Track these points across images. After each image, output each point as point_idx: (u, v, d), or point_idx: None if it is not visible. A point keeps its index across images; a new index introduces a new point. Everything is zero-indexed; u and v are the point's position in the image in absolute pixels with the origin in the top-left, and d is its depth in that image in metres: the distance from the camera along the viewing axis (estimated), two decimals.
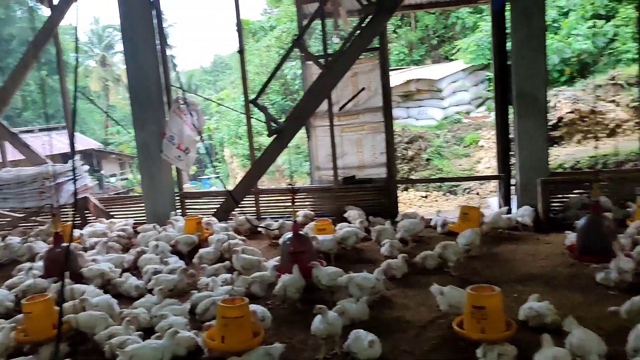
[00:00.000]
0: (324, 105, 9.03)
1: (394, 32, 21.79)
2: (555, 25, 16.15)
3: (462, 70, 18.00)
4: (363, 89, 9.10)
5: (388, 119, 8.93)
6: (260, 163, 9.06)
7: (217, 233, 7.67)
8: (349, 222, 8.17)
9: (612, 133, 13.12)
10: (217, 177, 24.42)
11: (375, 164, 9.33)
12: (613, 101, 13.49)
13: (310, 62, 9.21)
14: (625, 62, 14.32)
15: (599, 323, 4.73)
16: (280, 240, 6.90)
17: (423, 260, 6.40)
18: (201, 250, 7.07)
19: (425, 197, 14.49)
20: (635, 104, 10.26)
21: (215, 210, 9.18)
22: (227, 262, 6.54)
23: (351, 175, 9.30)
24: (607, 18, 15.83)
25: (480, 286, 4.65)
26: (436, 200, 14.09)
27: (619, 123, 13.16)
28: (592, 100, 13.54)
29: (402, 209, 12.42)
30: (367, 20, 8.27)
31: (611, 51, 15.06)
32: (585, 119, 13.40)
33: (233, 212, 8.88)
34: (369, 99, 9.20)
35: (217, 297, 5.20)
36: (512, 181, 8.76)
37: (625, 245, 6.00)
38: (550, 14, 16.03)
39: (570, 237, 6.67)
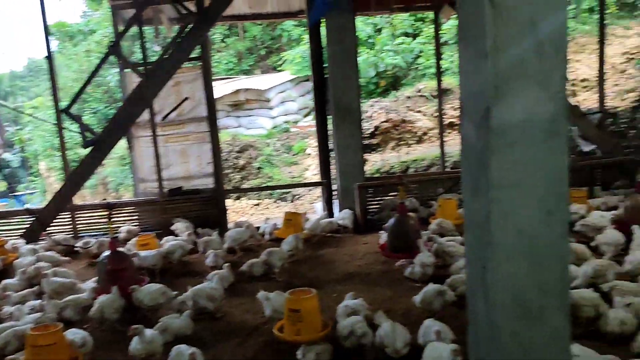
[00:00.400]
0: (146, 115, 8.73)
1: (223, 41, 21.79)
2: (371, 41, 17.48)
3: (290, 80, 18.61)
4: (186, 98, 8.97)
5: (213, 128, 8.91)
6: (75, 177, 8.43)
7: (24, 256, 6.95)
8: (176, 235, 7.98)
9: (420, 140, 14.59)
10: (31, 194, 22.13)
11: (203, 174, 9.24)
12: (420, 111, 15.02)
13: (129, 70, 8.83)
14: (429, 76, 16.01)
15: (406, 314, 5.23)
16: (99, 259, 6.49)
17: (250, 268, 6.48)
18: (4, 281, 6.34)
19: (258, 205, 14.69)
20: (437, 114, 11.52)
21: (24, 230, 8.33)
22: (36, 287, 5.97)
23: (177, 187, 9.09)
24: (414, 36, 17.57)
25: (299, 290, 4.86)
26: (267, 208, 14.36)
27: (426, 131, 14.68)
28: (403, 111, 14.91)
29: (235, 217, 12.47)
30: (188, 29, 8.17)
31: (417, 66, 16.74)
32: (398, 128, 14.71)
33: (45, 232, 8.13)
34: (193, 108, 9.09)
35: (21, 327, 4.71)
36: (335, 186, 9.29)
37: (427, 242, 6.69)
38: (366, 30, 17.33)
39: (383, 237, 7.27)
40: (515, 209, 2.85)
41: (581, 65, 14.07)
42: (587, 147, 9.57)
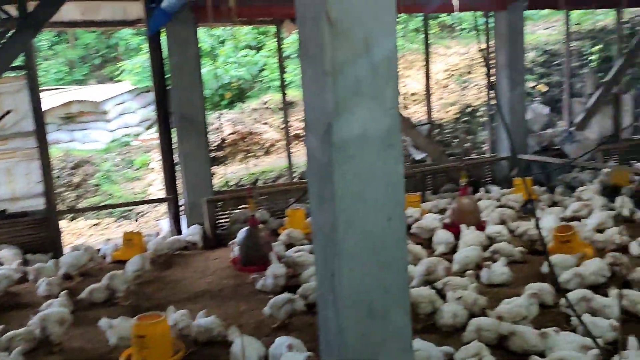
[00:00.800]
0: None
1: (51, 48, 20.09)
2: (214, 52, 17.33)
3: (129, 91, 17.70)
4: (9, 111, 8.07)
5: (42, 143, 8.13)
6: None
7: None
8: (1, 264, 7.14)
9: (267, 152, 14.77)
10: None
11: (32, 195, 8.35)
12: (266, 123, 15.23)
13: None
14: (274, 88, 16.31)
15: (259, 327, 5.25)
16: None
17: (90, 294, 6.03)
18: None
19: (97, 225, 13.69)
20: (284, 126, 11.79)
21: None
22: None
23: (1, 210, 8.13)
24: (257, 49, 17.79)
25: (149, 314, 4.63)
26: (107, 228, 13.46)
27: (273, 143, 14.91)
28: (250, 123, 15.00)
29: (72, 240, 11.50)
30: (9, 35, 7.38)
31: (262, 79, 16.96)
32: (245, 140, 14.75)
33: None
34: (18, 122, 8.19)
35: None
36: (182, 201, 9.00)
37: (278, 252, 6.78)
38: (209, 41, 17.14)
39: (235, 251, 7.21)
40: (359, 217, 3.01)
41: (411, 81, 15.35)
42: (418, 156, 10.46)
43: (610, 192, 8.77)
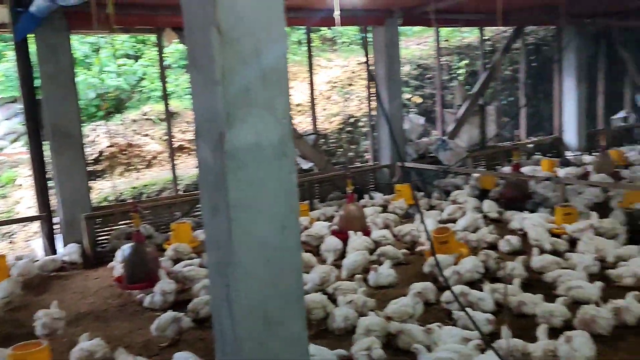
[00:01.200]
0: None
1: None
2: (89, 61, 16.38)
3: None
4: None
5: None
6: None
7: None
8: None
9: (149, 164, 14.18)
10: None
11: None
12: (147, 135, 14.63)
13: None
14: (155, 99, 15.74)
15: (147, 346, 5.04)
16: None
17: None
18: None
19: None
20: (166, 137, 11.38)
21: None
22: None
23: None
24: (136, 58, 17.09)
25: (27, 343, 4.26)
26: None
27: (155, 155, 14.36)
28: (130, 134, 14.33)
29: None
30: None
31: (142, 89, 16.30)
32: (125, 152, 14.06)
33: None
34: None
35: None
36: (57, 219, 8.38)
37: (167, 267, 6.56)
38: (82, 49, 16.18)
39: (118, 269, 6.85)
40: (254, 226, 3.01)
41: (295, 92, 15.58)
42: (305, 165, 10.64)
43: (480, 195, 9.54)
